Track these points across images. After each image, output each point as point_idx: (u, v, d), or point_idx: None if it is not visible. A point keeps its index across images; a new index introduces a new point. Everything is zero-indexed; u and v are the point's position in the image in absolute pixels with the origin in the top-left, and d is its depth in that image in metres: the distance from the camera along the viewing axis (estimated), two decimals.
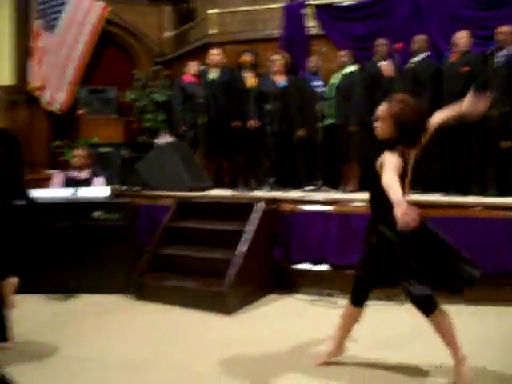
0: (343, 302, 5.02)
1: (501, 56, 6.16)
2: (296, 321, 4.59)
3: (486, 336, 4.16)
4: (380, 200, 3.14)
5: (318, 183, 6.57)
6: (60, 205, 5.58)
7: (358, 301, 3.52)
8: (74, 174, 6.43)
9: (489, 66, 6.00)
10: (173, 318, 4.74)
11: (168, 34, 10.37)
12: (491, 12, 7.26)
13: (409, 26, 7.35)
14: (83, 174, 6.41)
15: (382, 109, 3.27)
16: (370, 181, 3.33)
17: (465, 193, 6.00)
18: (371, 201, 3.41)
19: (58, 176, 6.49)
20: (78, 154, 6.51)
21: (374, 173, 3.21)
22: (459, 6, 7.34)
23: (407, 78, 6.54)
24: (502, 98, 5.91)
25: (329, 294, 5.30)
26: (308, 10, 8.13)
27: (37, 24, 9.28)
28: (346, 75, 6.74)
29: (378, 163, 3.17)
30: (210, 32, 8.88)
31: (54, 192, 5.95)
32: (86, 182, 6.29)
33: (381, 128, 3.25)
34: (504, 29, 6.25)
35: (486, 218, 5.11)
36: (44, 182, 6.74)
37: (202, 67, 7.68)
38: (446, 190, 6.09)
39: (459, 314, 4.40)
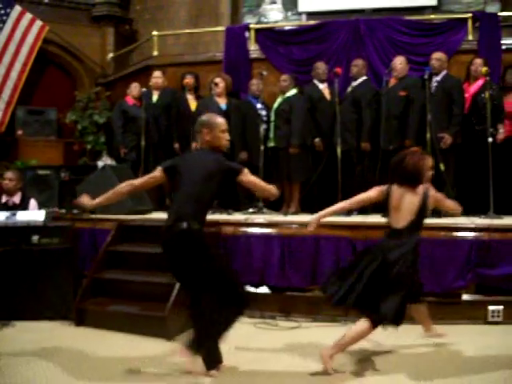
0: (285, 324, 5.10)
1: (435, 81, 6.37)
2: (238, 343, 4.55)
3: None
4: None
5: (260, 205, 6.57)
6: None
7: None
8: (4, 198, 6.23)
9: (426, 91, 6.17)
10: (112, 344, 4.64)
11: (110, 55, 10.28)
12: (427, 39, 7.52)
13: (348, 50, 7.50)
14: (15, 198, 6.23)
15: None
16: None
17: None
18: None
19: None
20: (8, 177, 6.27)
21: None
22: (397, 32, 7.56)
23: (347, 101, 6.66)
24: (437, 120, 6.10)
25: (271, 317, 5.30)
26: (250, 33, 8.20)
27: None
28: (286, 98, 6.81)
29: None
30: (153, 54, 8.83)
31: None
32: (20, 206, 6.12)
33: None
34: (438, 55, 6.48)
35: (425, 238, 5.22)
36: None
37: (144, 89, 7.63)
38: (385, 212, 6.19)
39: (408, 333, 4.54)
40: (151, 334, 4.73)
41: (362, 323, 3.83)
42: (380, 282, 3.81)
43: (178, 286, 4.86)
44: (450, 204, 4.22)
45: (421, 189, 3.96)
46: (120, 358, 4.29)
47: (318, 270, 5.31)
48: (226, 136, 4.14)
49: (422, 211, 3.95)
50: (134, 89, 7.93)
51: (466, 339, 4.63)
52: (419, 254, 4.10)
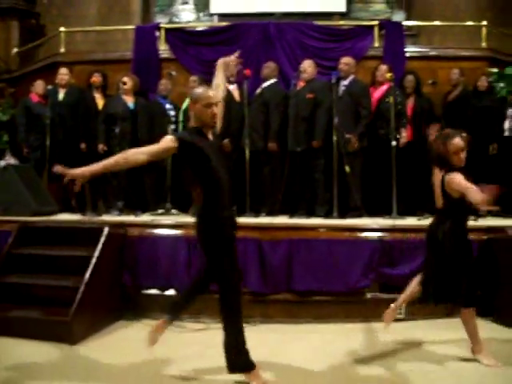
0: (193, 325, 5.05)
1: (343, 85, 6.51)
2: (144, 347, 4.47)
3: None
4: None
5: (168, 206, 6.50)
6: None
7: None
8: None
9: (333, 94, 6.29)
10: (13, 350, 4.43)
11: (15, 50, 9.87)
12: (335, 44, 7.69)
13: (258, 52, 7.54)
14: None
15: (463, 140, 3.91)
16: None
17: (310, 215, 6.24)
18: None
19: None
20: None
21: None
22: (306, 36, 7.68)
23: (256, 102, 6.70)
24: (344, 123, 6.23)
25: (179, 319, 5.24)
26: (160, 33, 8.10)
27: None
28: None
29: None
30: (60, 50, 8.56)
31: None
32: None
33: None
34: (346, 60, 6.64)
35: (330, 239, 5.33)
36: None
37: (50, 87, 7.37)
38: (292, 213, 6.30)
39: (323, 333, 4.62)
40: (54, 340, 4.56)
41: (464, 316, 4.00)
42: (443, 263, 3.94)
43: (82, 289, 4.74)
44: (474, 196, 3.64)
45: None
46: (22, 364, 4.12)
47: None
48: (213, 111, 3.60)
49: (446, 195, 3.96)
50: (39, 86, 7.65)
51: (371, 336, 4.78)
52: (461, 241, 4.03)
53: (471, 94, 6.99)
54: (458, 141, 3.92)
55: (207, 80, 7.06)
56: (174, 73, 6.97)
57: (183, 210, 6.67)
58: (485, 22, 8.09)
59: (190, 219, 6.08)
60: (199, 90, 3.70)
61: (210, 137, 3.67)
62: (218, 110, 3.69)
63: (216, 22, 9.63)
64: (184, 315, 5.21)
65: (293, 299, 5.21)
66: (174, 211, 6.54)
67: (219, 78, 4.05)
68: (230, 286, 3.61)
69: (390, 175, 6.13)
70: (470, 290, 3.96)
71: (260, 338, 4.47)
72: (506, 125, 6.78)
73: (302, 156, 6.38)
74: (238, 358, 3.59)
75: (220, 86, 4.01)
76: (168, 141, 3.55)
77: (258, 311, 5.18)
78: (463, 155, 3.93)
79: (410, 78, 6.92)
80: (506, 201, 6.89)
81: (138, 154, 3.54)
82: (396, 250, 5.30)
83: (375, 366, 4.05)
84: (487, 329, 4.89)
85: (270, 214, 6.35)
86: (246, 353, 3.59)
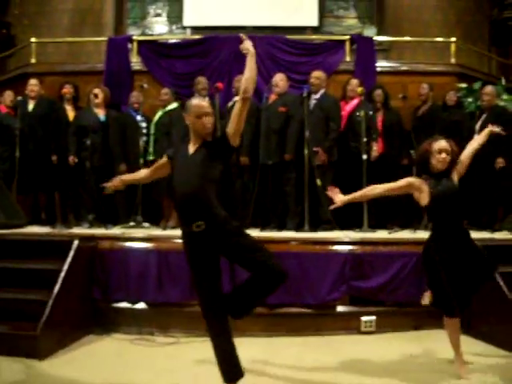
0: (163, 339, 5.02)
1: (314, 99, 6.56)
2: (114, 361, 4.44)
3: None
4: None
5: (139, 219, 6.46)
6: None
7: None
8: None
9: (304, 108, 6.33)
10: None
11: None
12: (307, 58, 7.75)
13: (230, 66, 7.57)
14: None
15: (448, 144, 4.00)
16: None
17: (281, 228, 6.26)
18: None
19: None
20: None
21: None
22: (278, 50, 7.74)
23: (228, 116, 6.69)
24: (315, 137, 6.28)
25: (149, 333, 5.20)
26: (133, 45, 8.09)
27: None
28: (166, 112, 6.77)
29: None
30: (31, 61, 8.49)
31: None
32: None
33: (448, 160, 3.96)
34: (317, 74, 6.69)
35: (301, 252, 5.35)
36: None
37: (19, 98, 7.29)
38: (263, 226, 6.31)
39: (295, 346, 4.63)
40: (23, 355, 4.47)
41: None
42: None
43: (51, 303, 4.68)
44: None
45: None
46: None
47: None
48: (204, 121, 3.58)
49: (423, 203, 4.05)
50: (8, 97, 7.53)
51: (341, 349, 4.80)
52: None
53: (440, 109, 7.09)
54: (443, 142, 4.02)
55: (179, 93, 7.11)
56: (145, 85, 6.95)
57: (154, 222, 6.64)
58: (454, 39, 8.25)
59: (161, 232, 6.07)
60: (191, 101, 3.70)
61: (192, 148, 3.62)
62: (210, 120, 3.63)
63: (189, 35, 9.68)
64: (153, 329, 5.22)
65: (265, 312, 5.19)
66: (145, 224, 6.50)
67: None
68: (200, 299, 3.60)
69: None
70: (443, 298, 3.99)
71: None
72: None
73: (274, 169, 6.40)
74: (231, 367, 3.59)
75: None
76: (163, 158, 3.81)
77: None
78: (443, 156, 3.98)
79: (378, 92, 7.00)
80: (473, 214, 6.99)
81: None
82: (366, 263, 5.33)
83: (345, 379, 4.06)
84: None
85: (241, 227, 6.33)
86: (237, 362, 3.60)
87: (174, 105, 6.83)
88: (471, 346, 4.80)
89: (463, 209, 4.12)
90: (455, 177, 4.06)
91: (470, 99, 7.54)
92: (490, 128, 4.48)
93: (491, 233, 6.40)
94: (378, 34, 9.80)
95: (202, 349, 4.55)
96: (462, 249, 4.00)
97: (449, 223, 4.01)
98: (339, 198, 4.35)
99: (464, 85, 7.71)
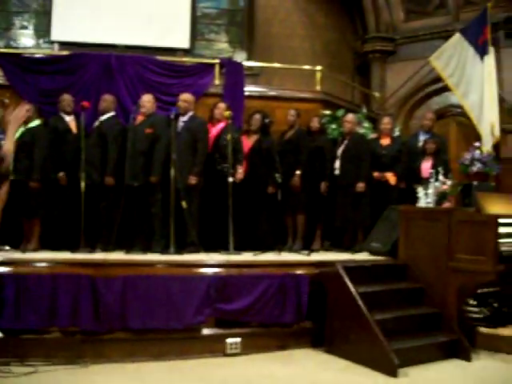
0: (20, 369, 4.74)
1: (182, 121, 6.56)
2: None
3: None
4: None
5: None
6: None
7: None
8: None
9: (171, 130, 6.31)
10: None
11: None
12: (176, 80, 7.73)
13: (98, 84, 7.37)
14: None
15: None
16: None
17: (147, 250, 6.17)
18: None
19: None
20: None
21: None
22: (147, 70, 7.64)
23: (93, 135, 6.55)
24: (182, 159, 6.28)
25: (4, 363, 4.88)
26: None
27: None
28: (29, 129, 6.47)
29: None
30: None
31: None
32: None
33: None
34: (185, 96, 6.71)
35: (167, 275, 5.28)
36: None
37: None
38: (128, 248, 6.17)
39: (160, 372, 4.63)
40: None
41: None
42: None
43: None
44: None
45: None
46: None
47: (56, 311, 5.04)
48: None
49: None
50: None
51: (208, 372, 4.81)
52: None
53: (306, 134, 7.31)
54: None
55: (43, 109, 6.84)
56: (6, 100, 6.63)
57: (15, 245, 6.30)
58: (319, 67, 8.56)
59: (19, 255, 5.76)
60: None
61: None
62: None
63: (56, 50, 9.39)
64: (9, 358, 4.91)
65: (129, 338, 5.06)
66: (6, 247, 6.17)
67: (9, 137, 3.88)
68: None
69: (227, 211, 6.24)
70: None
71: (93, 380, 4.31)
72: (337, 164, 7.17)
73: (139, 191, 6.31)
74: None
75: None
76: None
77: (90, 351, 4.97)
78: None
79: (257, 116, 7.13)
80: (334, 236, 7.30)
81: None
82: (231, 285, 5.36)
83: None
84: (319, 359, 5.11)
85: (106, 249, 6.18)
86: None
87: (36, 122, 6.54)
88: (333, 363, 4.99)
89: None
90: None
91: (333, 126, 7.86)
92: None
93: (352, 254, 6.69)
94: (249, 59, 10.01)
95: (61, 377, 4.38)
96: None
97: None
98: None
99: (328, 112, 8.03)
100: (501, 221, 5.46)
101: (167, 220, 6.18)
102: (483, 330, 5.71)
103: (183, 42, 10.08)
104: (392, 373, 4.68)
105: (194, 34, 10.37)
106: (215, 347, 5.28)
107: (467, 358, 5.21)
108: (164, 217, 6.28)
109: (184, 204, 6.08)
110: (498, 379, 4.77)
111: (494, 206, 5.93)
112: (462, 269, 5.44)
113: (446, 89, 9.54)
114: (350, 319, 5.20)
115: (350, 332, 5.20)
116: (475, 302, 6.06)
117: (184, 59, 8.91)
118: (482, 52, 8.80)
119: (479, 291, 6.10)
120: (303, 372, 4.79)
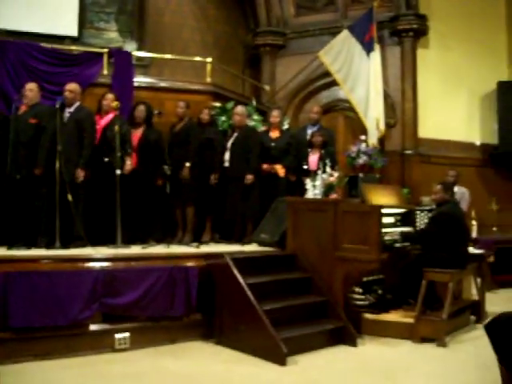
0: None
1: (68, 112, 6.36)
2: None
3: None
4: None
5: None
6: None
7: None
8: None
9: (57, 120, 6.10)
10: None
11: None
12: (63, 68, 7.48)
13: None
14: None
15: None
16: None
17: (31, 245, 5.94)
18: None
19: None
20: None
21: None
22: (32, 58, 7.33)
23: None
24: (68, 150, 6.11)
25: None
26: None
27: None
28: None
29: None
30: None
31: None
32: None
33: None
34: (72, 86, 6.49)
35: (53, 271, 5.12)
36: None
37: None
38: (10, 245, 5.91)
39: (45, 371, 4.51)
40: None
41: None
42: None
43: None
44: None
45: None
46: None
47: None
48: None
49: None
50: None
51: (98, 368, 4.72)
52: None
53: (196, 126, 7.30)
54: None
55: None
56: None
57: None
58: (210, 59, 8.56)
59: None
60: None
61: None
62: None
63: None
64: None
65: (9, 337, 4.85)
66: None
67: None
68: None
69: (115, 203, 6.13)
70: None
71: None
72: (227, 156, 7.23)
73: (23, 183, 6.07)
74: None
75: None
76: None
77: None
78: None
79: (141, 107, 7.02)
80: (224, 228, 7.36)
81: None
82: (119, 279, 5.28)
83: None
84: (210, 351, 5.14)
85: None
86: None
87: None
88: (224, 355, 5.10)
89: None
90: None
91: (223, 118, 7.90)
92: None
93: (241, 245, 6.78)
94: (139, 49, 9.87)
95: None
96: None
97: None
98: None
99: (218, 104, 8.06)
100: (384, 211, 5.73)
101: (52, 214, 5.98)
102: (368, 316, 5.97)
103: (71, 29, 9.76)
104: (281, 361, 4.80)
105: (83, 22, 10.08)
106: (103, 343, 5.19)
107: (353, 344, 5.43)
108: (49, 210, 6.07)
109: (70, 197, 5.91)
110: (381, 361, 5.02)
111: (379, 197, 6.22)
112: (348, 258, 5.67)
113: (334, 83, 9.89)
114: (240, 310, 5.28)
115: (239, 323, 5.27)
116: (361, 290, 6.33)
117: (71, 47, 8.61)
118: (368, 49, 9.21)
119: (364, 279, 6.38)
120: (195, 364, 4.81)
